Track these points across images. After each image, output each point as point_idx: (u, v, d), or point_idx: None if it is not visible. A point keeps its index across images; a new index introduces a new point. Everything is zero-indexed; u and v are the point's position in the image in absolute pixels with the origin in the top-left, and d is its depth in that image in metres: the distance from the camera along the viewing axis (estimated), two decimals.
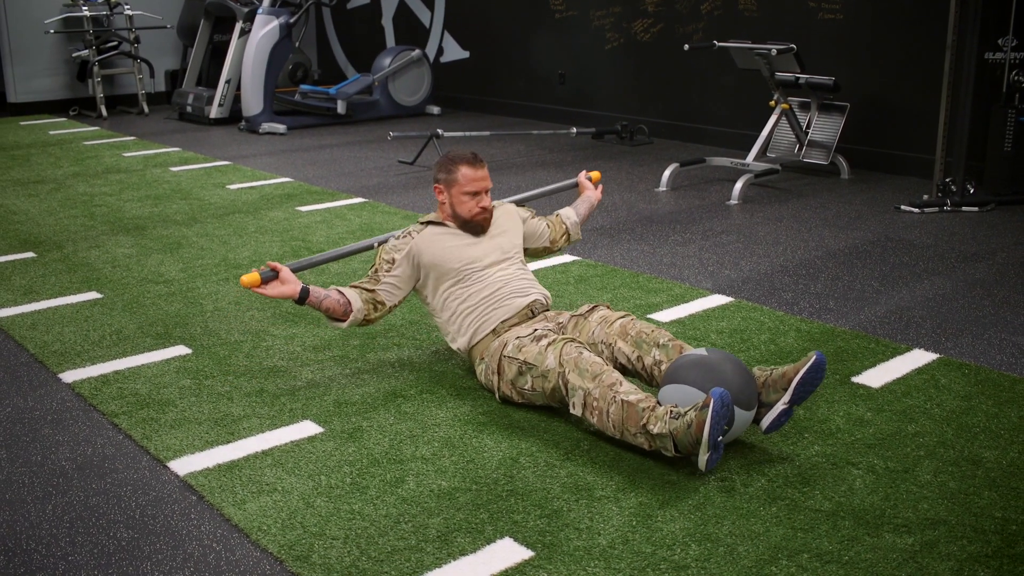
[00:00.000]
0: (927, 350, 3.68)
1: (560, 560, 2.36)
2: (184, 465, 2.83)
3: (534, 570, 2.32)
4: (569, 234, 3.88)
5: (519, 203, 3.91)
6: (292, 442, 2.97)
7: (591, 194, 4.02)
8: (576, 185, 4.14)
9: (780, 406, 2.83)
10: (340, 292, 3.34)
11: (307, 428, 3.06)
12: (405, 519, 2.54)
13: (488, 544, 2.43)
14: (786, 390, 2.83)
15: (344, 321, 3.32)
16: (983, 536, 2.46)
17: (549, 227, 3.81)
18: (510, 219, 3.62)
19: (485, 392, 3.30)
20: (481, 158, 3.47)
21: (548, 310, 3.43)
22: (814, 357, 2.81)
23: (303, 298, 3.26)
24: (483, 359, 3.28)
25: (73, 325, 3.96)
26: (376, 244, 3.65)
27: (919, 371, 3.48)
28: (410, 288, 3.46)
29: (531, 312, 3.35)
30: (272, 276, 3.25)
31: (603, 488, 2.69)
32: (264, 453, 2.90)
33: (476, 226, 3.46)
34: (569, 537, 2.45)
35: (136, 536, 2.49)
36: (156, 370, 3.52)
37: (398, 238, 3.47)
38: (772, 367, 2.94)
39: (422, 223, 3.51)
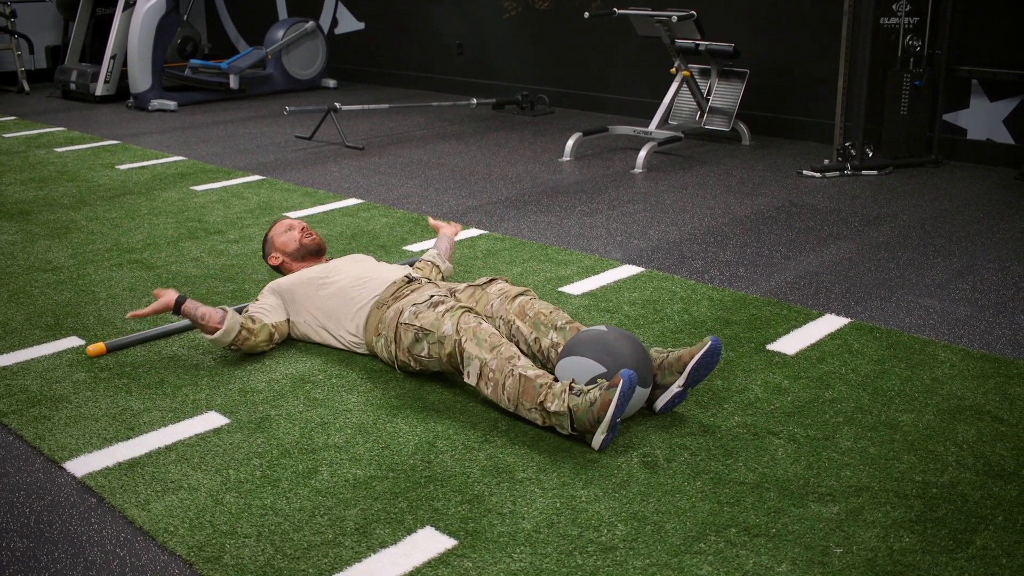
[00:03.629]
0: (838, 315, 3.69)
1: (484, 548, 2.28)
2: (81, 465, 2.67)
3: (458, 559, 2.24)
4: (441, 270, 3.85)
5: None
6: (197, 435, 2.82)
7: (448, 231, 4.06)
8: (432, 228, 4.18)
9: (675, 388, 2.85)
10: (220, 309, 3.31)
11: (212, 420, 2.91)
12: (320, 512, 2.43)
13: (409, 535, 2.33)
14: (681, 373, 2.84)
15: (219, 329, 3.22)
16: (906, 501, 2.46)
17: (419, 271, 3.75)
18: (354, 256, 3.70)
19: (396, 374, 3.19)
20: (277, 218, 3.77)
21: (429, 280, 3.41)
22: (709, 342, 2.83)
23: (178, 305, 3.22)
24: (380, 334, 3.20)
25: None
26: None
27: (832, 336, 3.49)
28: (282, 313, 3.42)
29: (408, 279, 3.35)
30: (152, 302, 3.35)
31: (524, 470, 2.61)
32: (167, 448, 2.75)
33: (310, 247, 3.65)
34: (492, 523, 2.38)
35: (31, 545, 2.33)
36: (47, 364, 3.32)
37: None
38: (669, 349, 2.95)
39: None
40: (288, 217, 3.79)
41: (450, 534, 2.33)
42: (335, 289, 3.36)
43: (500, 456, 2.69)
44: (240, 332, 3.25)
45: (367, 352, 3.32)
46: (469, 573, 2.19)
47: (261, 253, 3.80)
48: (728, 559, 2.23)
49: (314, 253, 3.66)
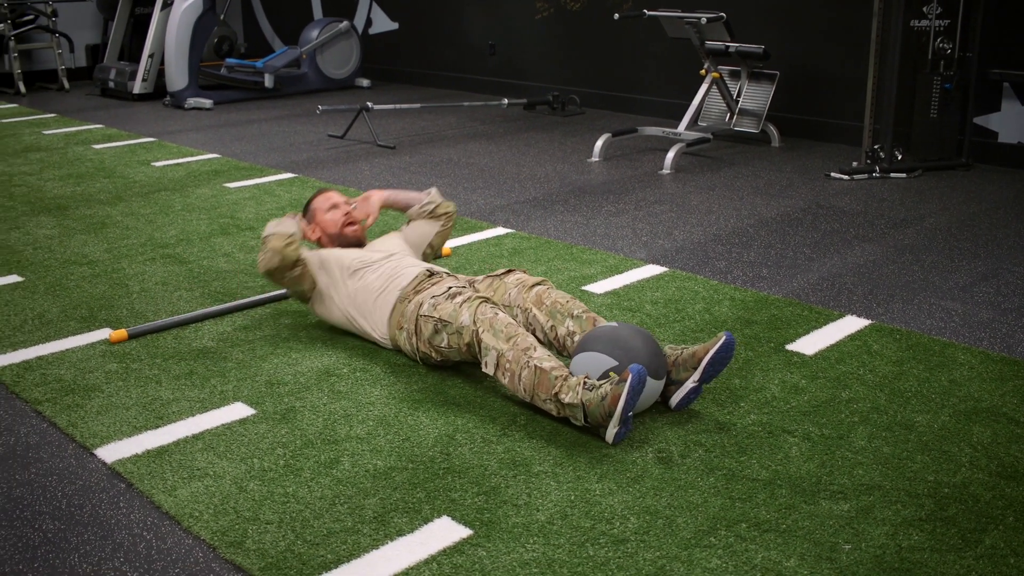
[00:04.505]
0: (859, 316, 3.71)
1: (499, 537, 2.33)
2: (112, 452, 2.75)
3: (473, 548, 2.30)
4: (439, 204, 3.82)
5: None
6: (223, 425, 2.90)
7: (373, 198, 3.80)
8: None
9: (690, 383, 2.89)
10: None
11: (238, 410, 2.99)
12: (340, 500, 2.50)
13: (425, 524, 2.39)
14: (696, 368, 2.88)
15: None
16: (917, 500, 2.49)
17: (421, 215, 3.82)
18: (388, 238, 3.73)
19: (419, 369, 3.26)
20: (328, 189, 3.76)
21: (448, 273, 3.46)
22: (723, 338, 2.87)
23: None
24: (402, 328, 3.27)
25: None
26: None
27: (852, 337, 3.51)
28: (311, 280, 3.49)
29: (429, 272, 3.39)
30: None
31: (540, 463, 2.67)
32: (195, 437, 2.83)
33: (350, 238, 3.66)
34: (507, 514, 2.43)
35: (63, 527, 2.41)
36: (81, 354, 3.42)
37: None
38: (683, 346, 2.99)
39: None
40: (331, 190, 3.75)
41: (466, 524, 2.39)
42: (363, 284, 3.41)
43: (518, 449, 2.74)
44: (286, 250, 3.38)
45: (391, 347, 3.38)
46: (483, 562, 2.25)
47: (300, 211, 3.79)
48: (737, 553, 2.27)
49: (353, 245, 3.65)
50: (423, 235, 3.80)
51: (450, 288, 3.22)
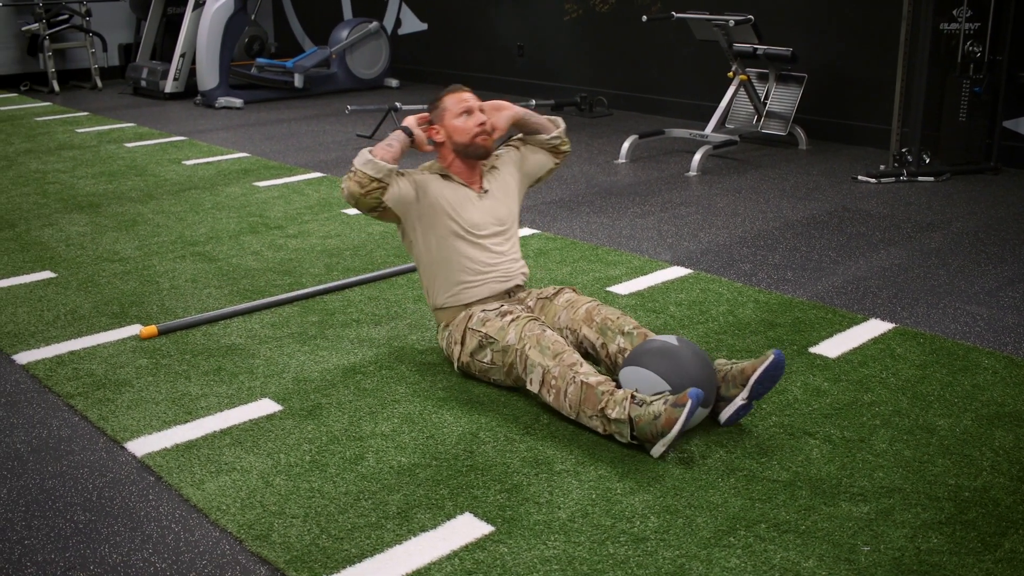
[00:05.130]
0: (883, 320, 3.72)
1: (520, 535, 2.37)
2: (142, 446, 2.81)
3: (494, 545, 2.33)
4: (564, 140, 3.55)
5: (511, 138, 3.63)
6: (251, 420, 2.95)
7: (505, 112, 3.42)
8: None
9: (739, 401, 2.85)
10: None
11: (266, 406, 3.04)
12: (365, 496, 2.54)
13: (448, 520, 2.43)
14: (744, 386, 2.84)
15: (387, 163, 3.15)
16: (937, 503, 2.50)
17: (547, 145, 3.53)
18: (509, 169, 3.45)
19: (444, 367, 3.29)
20: (463, 86, 3.36)
21: (522, 290, 3.38)
22: (772, 356, 2.82)
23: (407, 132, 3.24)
24: (447, 326, 3.27)
25: (27, 305, 3.91)
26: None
27: (875, 341, 3.51)
28: (400, 206, 3.23)
29: (507, 296, 3.32)
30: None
31: (562, 462, 2.70)
32: (223, 432, 2.88)
33: (479, 149, 3.27)
34: (529, 511, 2.46)
35: (94, 518, 2.47)
36: (112, 350, 3.48)
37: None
38: (733, 361, 2.95)
39: (423, 169, 3.39)
40: (465, 90, 3.34)
41: (488, 520, 2.42)
42: (448, 258, 3.24)
43: (540, 448, 2.77)
44: (376, 177, 3.13)
45: (431, 312, 3.32)
46: (504, 558, 2.28)
47: (427, 107, 3.40)
48: (756, 553, 2.29)
49: (479, 157, 3.32)
50: (540, 167, 3.51)
51: (502, 305, 3.17)
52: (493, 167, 3.41)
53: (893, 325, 3.66)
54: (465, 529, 2.39)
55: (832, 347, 3.46)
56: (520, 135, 3.52)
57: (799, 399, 3.07)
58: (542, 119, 3.49)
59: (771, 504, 2.49)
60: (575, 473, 2.64)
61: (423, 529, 2.39)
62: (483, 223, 3.28)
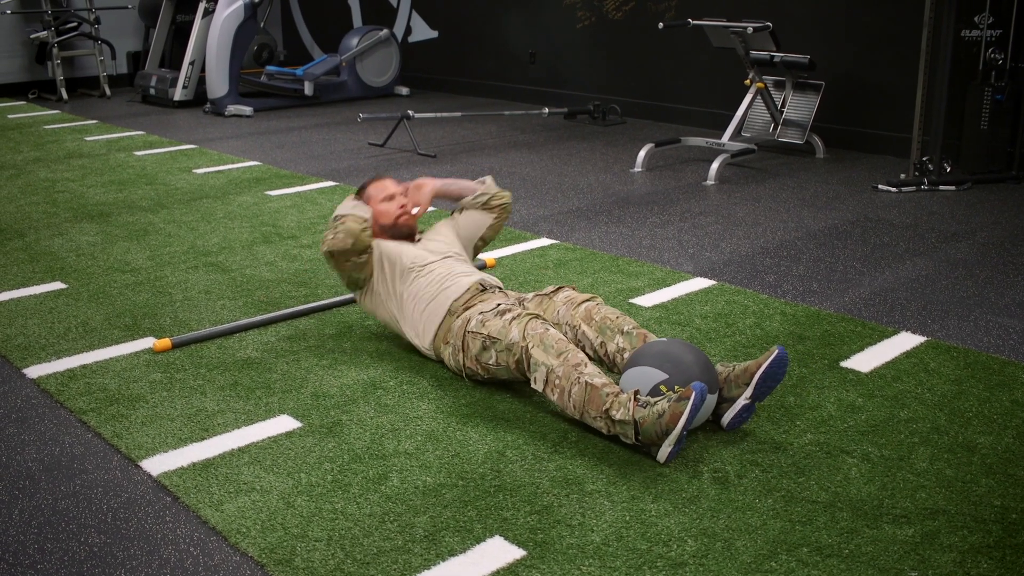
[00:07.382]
0: (914, 333, 3.62)
1: (553, 559, 2.27)
2: (157, 464, 2.72)
3: (527, 570, 2.24)
4: (493, 194, 3.69)
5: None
6: (269, 438, 2.86)
7: (424, 187, 3.60)
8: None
9: (742, 401, 2.80)
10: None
11: (284, 423, 2.95)
12: (390, 518, 2.45)
13: (478, 543, 2.34)
14: (748, 385, 2.79)
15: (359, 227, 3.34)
16: (984, 526, 2.40)
17: (474, 205, 3.68)
18: (440, 229, 3.64)
19: (466, 382, 3.20)
20: (384, 175, 3.64)
21: (502, 291, 3.37)
22: (776, 352, 2.78)
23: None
24: (448, 343, 3.21)
25: (37, 317, 3.83)
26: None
27: (908, 355, 3.42)
28: (371, 268, 3.41)
29: (481, 286, 3.29)
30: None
31: (594, 482, 2.60)
32: (241, 450, 2.79)
33: (403, 228, 3.53)
34: (561, 534, 2.37)
35: (108, 541, 2.38)
36: (125, 364, 3.39)
37: None
38: (734, 362, 2.91)
39: None
40: (387, 178, 3.62)
41: (519, 544, 2.33)
42: (413, 290, 3.33)
43: (569, 467, 2.68)
44: (360, 234, 3.32)
45: (434, 357, 3.32)
46: None
47: (353, 194, 3.63)
48: None
49: (405, 236, 3.55)
50: (476, 227, 3.67)
51: (499, 305, 3.14)
52: (427, 239, 3.59)
53: (925, 338, 3.56)
54: (496, 553, 2.30)
55: (864, 361, 3.36)
56: (457, 206, 3.73)
57: (834, 415, 2.97)
58: (465, 183, 3.72)
59: (812, 526, 2.40)
60: (607, 494, 2.54)
61: (452, 553, 2.30)
62: (421, 256, 3.43)
